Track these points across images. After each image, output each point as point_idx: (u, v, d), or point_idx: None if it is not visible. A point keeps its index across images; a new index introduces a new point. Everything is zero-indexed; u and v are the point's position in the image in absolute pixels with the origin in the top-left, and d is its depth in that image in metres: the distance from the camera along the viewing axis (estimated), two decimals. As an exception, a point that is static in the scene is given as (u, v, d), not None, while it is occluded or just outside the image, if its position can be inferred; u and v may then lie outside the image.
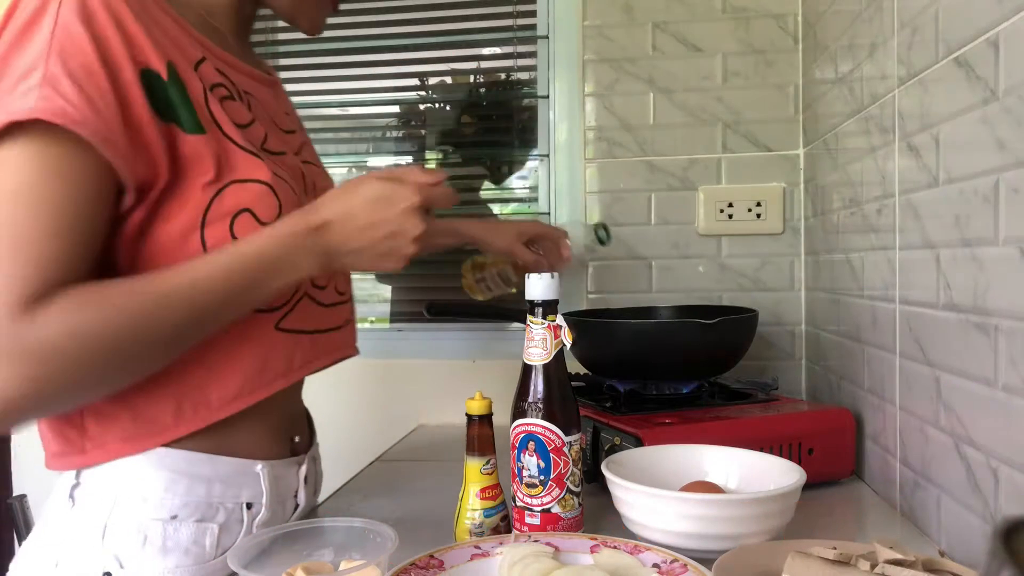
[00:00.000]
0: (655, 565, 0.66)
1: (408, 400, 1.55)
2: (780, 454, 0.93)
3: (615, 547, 0.70)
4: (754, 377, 1.23)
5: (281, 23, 1.60)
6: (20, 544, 0.84)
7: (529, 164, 1.62)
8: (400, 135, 1.69)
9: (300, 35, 0.95)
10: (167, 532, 0.72)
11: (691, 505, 0.72)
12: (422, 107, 1.67)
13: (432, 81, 1.65)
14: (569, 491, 0.77)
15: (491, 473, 0.80)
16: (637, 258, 1.48)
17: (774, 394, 1.15)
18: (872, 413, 1.00)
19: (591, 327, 1.12)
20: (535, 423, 0.77)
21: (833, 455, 1.01)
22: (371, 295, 1.66)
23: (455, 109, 1.67)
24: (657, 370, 1.11)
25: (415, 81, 1.64)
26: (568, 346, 0.79)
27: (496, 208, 1.65)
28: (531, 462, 0.77)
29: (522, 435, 0.78)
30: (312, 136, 0.97)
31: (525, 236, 1.21)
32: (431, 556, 0.68)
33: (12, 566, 0.74)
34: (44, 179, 0.61)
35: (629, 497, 0.75)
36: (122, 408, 0.71)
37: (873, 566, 0.60)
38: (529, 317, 0.79)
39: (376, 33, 1.63)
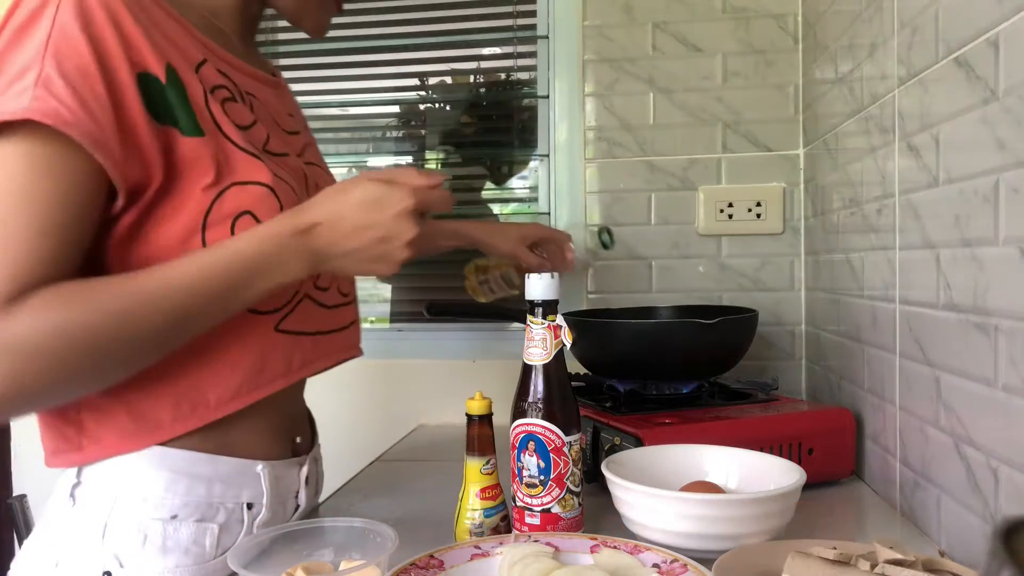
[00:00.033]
0: (655, 565, 0.66)
1: (408, 400, 1.55)
2: (780, 454, 0.93)
3: (615, 547, 0.70)
4: (754, 377, 1.23)
5: (282, 23, 1.61)
6: (20, 544, 0.84)
7: (529, 164, 1.62)
8: (400, 135, 1.69)
9: (300, 35, 0.95)
10: (167, 532, 0.72)
11: (691, 505, 0.72)
12: (422, 107, 1.67)
13: (432, 81, 1.65)
14: (569, 491, 0.77)
15: (491, 473, 0.80)
16: (637, 258, 1.48)
17: (774, 394, 1.15)
18: (872, 413, 1.00)
19: (591, 327, 1.12)
20: (535, 423, 0.77)
21: (833, 455, 1.01)
22: (371, 295, 1.66)
23: (455, 109, 1.67)
24: (657, 370, 1.11)
25: (415, 81, 1.64)
26: (568, 346, 0.79)
27: (496, 208, 1.65)
28: (531, 462, 0.77)
29: (522, 435, 0.78)
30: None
31: (529, 239, 1.21)
32: (431, 556, 0.68)
33: (13, 565, 0.74)
34: (34, 178, 0.61)
35: (629, 497, 0.75)
36: (120, 405, 0.71)
37: (873, 566, 0.60)
38: (529, 317, 0.79)
39: (376, 33, 1.63)
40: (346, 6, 0.89)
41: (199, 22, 0.77)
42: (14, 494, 1.05)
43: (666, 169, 1.47)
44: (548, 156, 1.53)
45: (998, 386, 0.66)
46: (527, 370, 0.79)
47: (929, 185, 0.80)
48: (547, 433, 0.77)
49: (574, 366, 1.06)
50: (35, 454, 0.73)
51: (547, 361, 0.78)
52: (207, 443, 0.74)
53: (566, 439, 0.77)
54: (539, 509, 0.77)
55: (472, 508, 0.79)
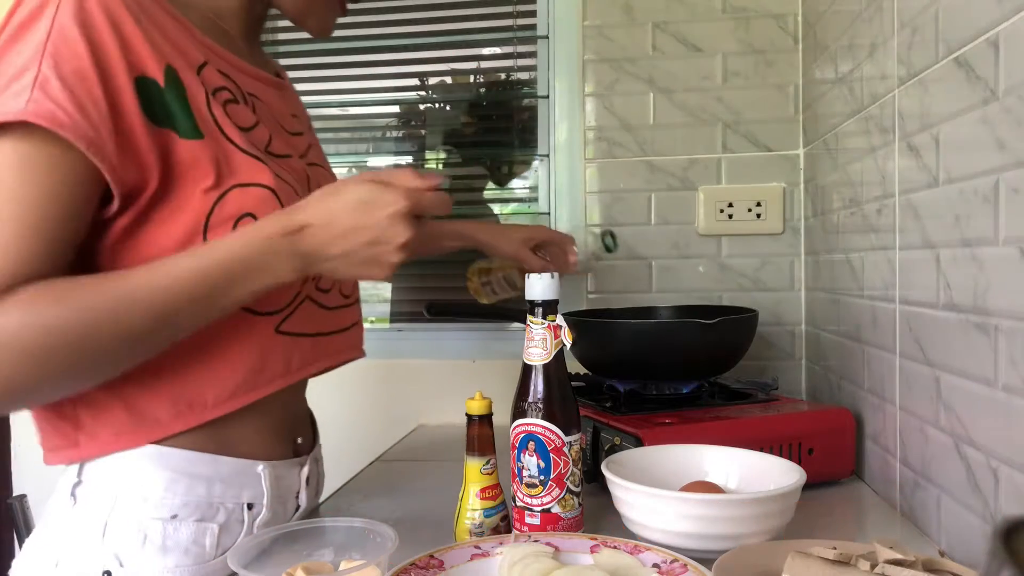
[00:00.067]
0: (655, 565, 0.66)
1: (408, 400, 1.55)
2: (780, 454, 0.93)
3: (615, 547, 0.70)
4: (754, 377, 1.23)
5: (283, 23, 1.61)
6: (20, 544, 0.84)
7: (529, 164, 1.61)
8: (400, 135, 1.69)
9: (300, 35, 0.95)
10: (167, 531, 0.72)
11: (691, 505, 0.72)
12: (422, 107, 1.67)
13: (432, 81, 1.65)
14: (569, 491, 0.77)
15: (491, 473, 0.80)
16: (637, 258, 1.48)
17: (774, 394, 1.15)
18: (872, 413, 1.00)
19: (591, 327, 1.12)
20: (535, 423, 0.77)
21: (833, 455, 1.01)
22: (371, 295, 1.66)
23: (455, 109, 1.67)
24: (657, 370, 1.11)
25: (415, 81, 1.64)
26: (568, 346, 0.79)
27: (496, 208, 1.65)
28: (531, 462, 0.77)
29: (522, 435, 0.78)
30: (312, 136, 0.97)
31: (532, 241, 1.21)
32: (431, 556, 0.68)
33: (13, 565, 0.74)
34: (28, 178, 0.61)
35: (629, 497, 0.75)
36: (117, 402, 0.71)
37: (873, 566, 0.60)
38: (529, 317, 0.79)
39: (376, 33, 1.63)
40: (349, 6, 0.88)
41: (202, 23, 0.77)
42: (14, 494, 1.05)
43: (666, 169, 1.47)
44: (548, 156, 1.53)
45: (998, 386, 0.66)
46: (527, 370, 0.79)
47: (929, 185, 0.80)
48: (547, 433, 0.77)
49: (574, 366, 1.06)
50: (35, 454, 0.73)
51: (547, 361, 0.78)
52: (208, 443, 0.74)
53: (566, 439, 0.77)
54: (539, 509, 0.77)
55: (472, 508, 0.79)
